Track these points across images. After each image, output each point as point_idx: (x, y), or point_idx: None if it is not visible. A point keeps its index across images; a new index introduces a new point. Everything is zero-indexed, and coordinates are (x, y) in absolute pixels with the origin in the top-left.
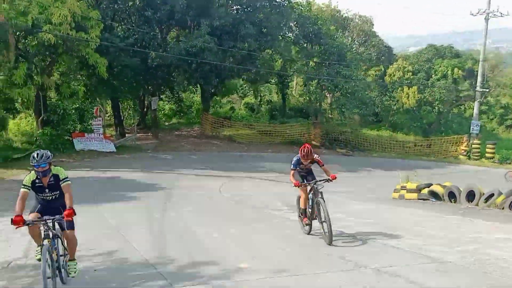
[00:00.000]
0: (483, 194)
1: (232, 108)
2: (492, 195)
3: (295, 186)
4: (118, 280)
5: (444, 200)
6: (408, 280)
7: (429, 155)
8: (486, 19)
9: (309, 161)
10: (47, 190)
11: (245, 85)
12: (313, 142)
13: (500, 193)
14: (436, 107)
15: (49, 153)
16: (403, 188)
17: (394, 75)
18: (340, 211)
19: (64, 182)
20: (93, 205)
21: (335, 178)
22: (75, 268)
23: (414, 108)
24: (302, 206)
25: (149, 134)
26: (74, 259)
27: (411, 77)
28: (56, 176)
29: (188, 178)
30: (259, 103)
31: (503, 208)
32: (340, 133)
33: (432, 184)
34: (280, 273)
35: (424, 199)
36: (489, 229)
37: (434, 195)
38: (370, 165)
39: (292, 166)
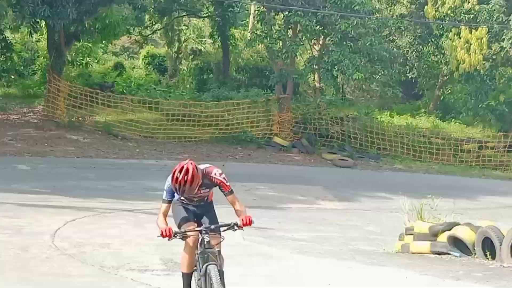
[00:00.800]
0: None
1: (118, 67)
2: None
3: (161, 236)
4: None
5: (473, 253)
6: None
7: (509, 166)
8: None
9: (195, 190)
10: None
11: (149, 20)
12: (277, 140)
13: None
14: None
15: None
16: (409, 232)
17: (443, 4)
18: (251, 272)
19: None
20: None
21: (250, 223)
22: None
23: (482, 73)
24: (185, 270)
25: None
26: None
27: (476, 8)
28: None
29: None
30: (176, 57)
31: None
32: (332, 122)
33: (457, 224)
34: None
35: (440, 253)
36: None
37: (458, 244)
38: (386, 186)
39: (164, 194)
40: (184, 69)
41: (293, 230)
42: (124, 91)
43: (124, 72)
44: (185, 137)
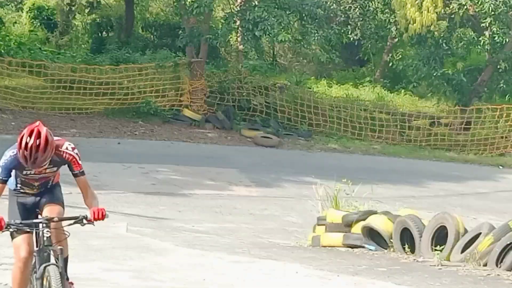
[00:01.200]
0: (463, 233)
1: None
2: (478, 235)
3: None
4: None
5: (390, 246)
6: None
7: (465, 147)
8: None
9: (47, 163)
10: None
11: None
12: (187, 113)
13: (490, 231)
14: (490, 35)
15: None
16: (321, 222)
17: None
18: (118, 267)
19: None
20: None
21: (103, 217)
22: None
23: (436, 35)
24: (16, 284)
25: None
26: None
27: None
28: None
29: None
30: (68, 10)
31: (485, 265)
32: (255, 92)
33: (374, 213)
34: None
35: (354, 247)
36: None
37: (375, 236)
38: (316, 169)
39: None
40: (78, 25)
41: (194, 221)
42: (2, 51)
43: (3, 27)
44: (74, 108)
